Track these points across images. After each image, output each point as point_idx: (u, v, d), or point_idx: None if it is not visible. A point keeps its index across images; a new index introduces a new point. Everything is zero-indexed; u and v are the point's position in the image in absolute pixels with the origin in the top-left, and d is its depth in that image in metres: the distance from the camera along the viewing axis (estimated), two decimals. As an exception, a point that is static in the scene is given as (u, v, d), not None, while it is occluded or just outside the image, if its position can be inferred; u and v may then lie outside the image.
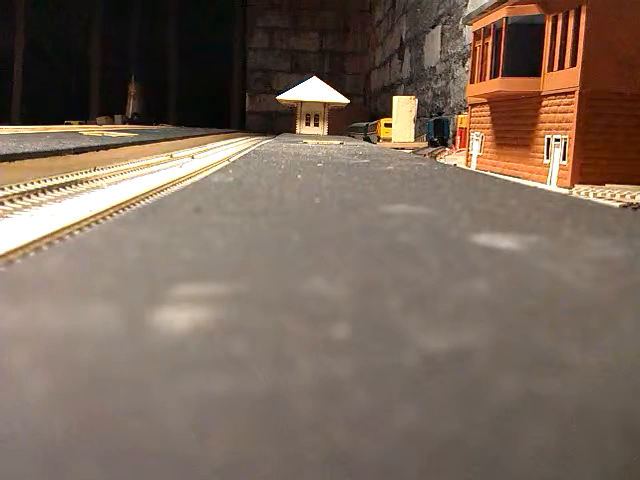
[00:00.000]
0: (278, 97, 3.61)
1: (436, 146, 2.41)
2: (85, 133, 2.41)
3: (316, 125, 3.60)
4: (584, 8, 1.11)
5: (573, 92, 1.14)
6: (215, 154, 2.21)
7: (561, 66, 1.19)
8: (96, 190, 1.16)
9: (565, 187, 1.15)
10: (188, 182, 1.22)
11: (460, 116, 2.22)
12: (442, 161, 1.92)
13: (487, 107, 1.60)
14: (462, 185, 0.81)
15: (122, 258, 0.33)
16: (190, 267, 0.31)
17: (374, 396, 0.18)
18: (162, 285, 0.28)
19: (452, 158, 1.98)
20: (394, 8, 4.87)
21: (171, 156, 1.94)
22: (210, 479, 0.14)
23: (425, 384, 0.19)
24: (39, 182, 1.08)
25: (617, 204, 0.92)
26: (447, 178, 0.89)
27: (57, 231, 0.71)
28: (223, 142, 3.17)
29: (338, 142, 2.32)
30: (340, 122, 4.45)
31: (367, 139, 3.59)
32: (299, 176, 0.81)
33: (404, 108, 3.23)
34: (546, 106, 1.25)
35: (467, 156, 1.75)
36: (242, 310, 0.25)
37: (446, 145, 2.41)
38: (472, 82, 1.58)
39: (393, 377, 0.19)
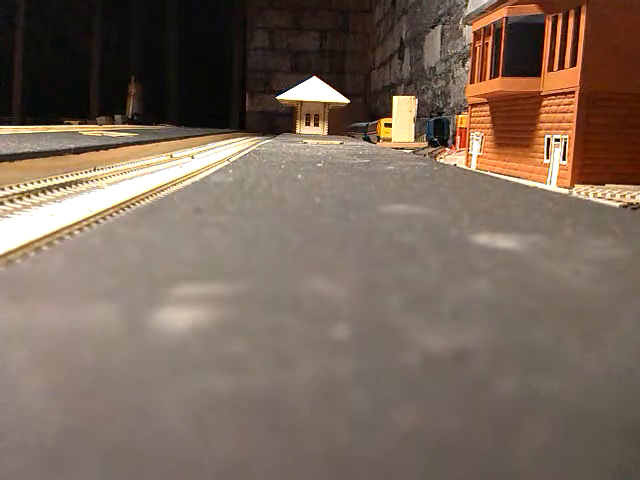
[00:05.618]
0: (278, 97, 3.61)
1: (436, 146, 2.41)
2: (85, 133, 2.41)
3: (316, 125, 3.60)
4: (584, 8, 1.11)
5: (573, 92, 1.14)
6: (215, 154, 2.21)
7: (561, 66, 1.19)
8: (96, 190, 1.16)
9: (565, 187, 1.15)
10: (188, 182, 1.22)
11: (460, 116, 2.22)
12: (442, 161, 1.92)
13: (487, 107, 1.60)
14: (462, 185, 0.81)
15: (122, 258, 0.33)
16: (190, 267, 0.31)
17: (375, 396, 0.18)
18: (162, 285, 0.28)
19: (452, 158, 1.98)
20: (394, 8, 4.86)
21: (171, 156, 1.94)
22: (211, 479, 0.14)
23: (425, 384, 0.19)
24: (39, 182, 1.07)
25: (617, 204, 0.92)
26: (447, 178, 0.89)
27: (57, 231, 0.71)
28: (223, 142, 3.17)
29: (338, 142, 2.32)
30: (340, 122, 4.45)
31: (367, 139, 3.59)
32: (299, 176, 0.81)
33: (404, 108, 3.22)
34: (546, 106, 1.25)
35: (467, 156, 1.75)
36: (242, 310, 0.25)
37: (446, 145, 2.40)
38: (472, 82, 1.58)
39: (394, 377, 0.19)
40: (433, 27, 3.49)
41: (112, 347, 0.21)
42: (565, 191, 1.11)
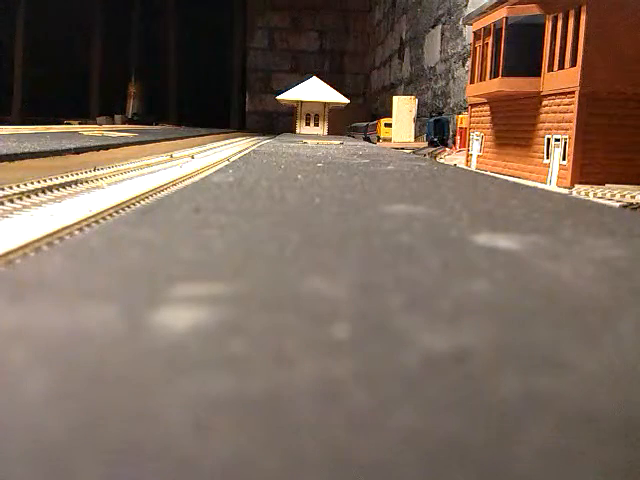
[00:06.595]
0: (278, 97, 3.61)
1: (436, 146, 2.41)
2: (85, 133, 2.41)
3: (316, 125, 3.60)
4: (584, 8, 1.11)
5: (573, 92, 1.14)
6: (215, 154, 2.21)
7: (561, 66, 1.19)
8: (96, 190, 1.16)
9: (565, 187, 1.15)
10: (188, 182, 1.22)
11: (460, 116, 2.22)
12: (442, 161, 1.92)
13: (487, 107, 1.60)
14: (462, 185, 0.81)
15: (122, 258, 0.33)
16: (190, 267, 0.31)
17: (374, 396, 0.18)
18: (162, 285, 0.28)
19: (452, 158, 1.98)
20: (394, 8, 4.86)
21: (171, 156, 1.94)
22: (210, 479, 0.14)
23: (425, 384, 0.19)
24: (39, 182, 1.07)
25: (617, 204, 0.92)
26: (447, 178, 0.89)
27: (57, 231, 0.71)
28: (223, 142, 3.17)
29: (338, 142, 2.32)
30: (340, 122, 4.45)
31: (367, 139, 3.59)
32: (299, 176, 0.81)
33: (404, 108, 3.23)
34: (546, 106, 1.25)
35: (467, 156, 1.75)
36: (242, 310, 0.25)
37: (446, 145, 2.40)
38: (472, 82, 1.58)
39: (393, 377, 0.19)
40: (433, 27, 3.49)
41: (112, 347, 0.21)
42: (565, 191, 1.11)
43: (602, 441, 0.16)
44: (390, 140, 3.20)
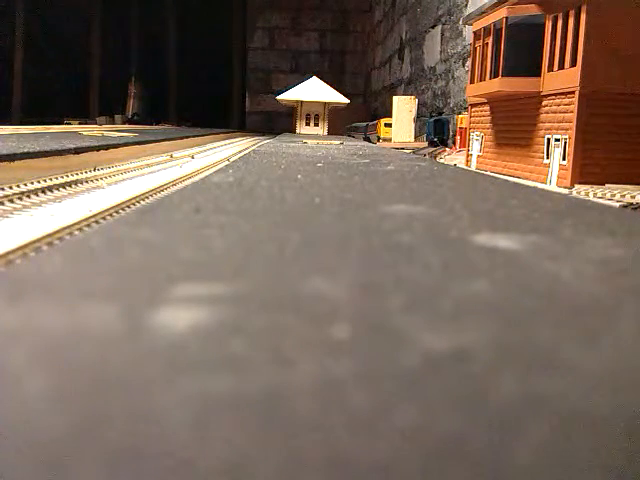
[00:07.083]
0: (278, 97, 3.61)
1: (436, 146, 2.41)
2: (85, 133, 2.41)
3: (316, 125, 3.60)
4: (584, 8, 1.11)
5: (573, 92, 1.14)
6: (215, 154, 2.21)
7: (561, 66, 1.19)
8: (96, 190, 1.16)
9: (565, 187, 1.15)
10: (188, 182, 1.22)
11: (460, 116, 2.22)
12: (442, 161, 1.92)
13: (487, 107, 1.60)
14: (462, 185, 0.81)
15: (122, 258, 0.33)
16: (190, 267, 0.31)
17: (374, 396, 0.18)
18: (162, 285, 0.28)
19: (452, 158, 1.98)
20: (394, 8, 4.86)
21: (171, 156, 1.93)
22: (210, 479, 0.14)
23: (425, 384, 0.19)
24: (39, 182, 1.07)
25: (617, 204, 0.92)
26: (447, 178, 0.89)
27: (57, 231, 0.71)
28: (223, 142, 3.17)
29: (338, 142, 2.32)
30: (340, 122, 4.45)
31: (367, 139, 3.59)
32: (299, 176, 0.81)
33: (404, 108, 3.23)
34: (546, 106, 1.25)
35: (467, 156, 1.75)
36: (242, 310, 0.25)
37: (446, 145, 2.40)
38: (472, 82, 1.58)
39: (393, 377, 0.19)
40: (433, 27, 3.49)
41: (112, 347, 0.21)
42: (565, 191, 1.11)
43: (602, 441, 0.16)
44: (390, 140, 3.20)
